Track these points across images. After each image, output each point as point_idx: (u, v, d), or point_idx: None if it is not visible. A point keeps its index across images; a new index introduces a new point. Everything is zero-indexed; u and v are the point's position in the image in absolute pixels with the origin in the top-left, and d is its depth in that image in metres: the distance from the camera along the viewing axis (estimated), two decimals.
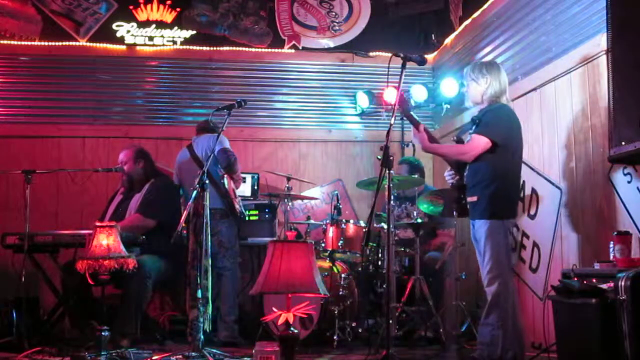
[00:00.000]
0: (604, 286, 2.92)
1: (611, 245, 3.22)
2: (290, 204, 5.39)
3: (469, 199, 3.94)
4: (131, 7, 6.32)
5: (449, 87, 5.89)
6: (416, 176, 5.40)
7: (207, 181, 4.05)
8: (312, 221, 5.46)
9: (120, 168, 5.14)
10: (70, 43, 6.22)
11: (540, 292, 4.45)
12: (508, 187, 3.87)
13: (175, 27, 6.36)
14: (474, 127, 3.94)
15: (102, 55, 6.27)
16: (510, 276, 3.82)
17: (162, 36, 6.34)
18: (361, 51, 6.57)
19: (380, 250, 5.09)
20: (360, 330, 4.92)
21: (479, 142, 3.83)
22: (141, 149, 5.21)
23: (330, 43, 6.61)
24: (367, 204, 6.28)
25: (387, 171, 3.51)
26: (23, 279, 4.58)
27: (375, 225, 5.09)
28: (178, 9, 6.38)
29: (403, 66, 3.72)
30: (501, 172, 3.83)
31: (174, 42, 6.35)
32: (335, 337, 4.66)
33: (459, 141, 4.19)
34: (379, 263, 5.08)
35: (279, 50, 6.52)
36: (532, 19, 4.73)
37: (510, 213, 3.88)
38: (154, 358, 3.95)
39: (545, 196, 4.50)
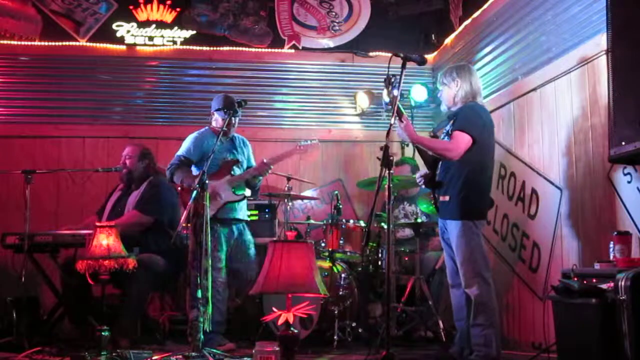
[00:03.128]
0: (604, 286, 2.91)
1: (611, 245, 3.22)
2: (290, 204, 5.39)
3: (441, 198, 3.95)
4: (131, 7, 6.32)
5: None
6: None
7: (207, 181, 4.05)
8: (312, 221, 5.45)
9: (120, 168, 5.14)
10: (70, 43, 6.21)
11: (540, 292, 4.45)
12: (480, 188, 3.87)
13: (175, 27, 6.36)
14: (450, 124, 3.97)
15: (102, 55, 6.26)
16: (488, 274, 3.82)
17: (162, 36, 6.34)
18: (361, 51, 6.57)
19: (380, 250, 5.09)
20: (360, 330, 4.92)
21: (463, 140, 3.84)
22: (147, 149, 5.22)
23: (330, 43, 6.61)
24: (367, 204, 6.28)
25: (387, 171, 3.52)
26: (23, 279, 4.59)
27: (375, 225, 5.09)
28: (178, 9, 6.38)
29: (403, 66, 3.72)
30: (474, 171, 3.84)
31: (174, 42, 6.35)
32: (335, 337, 4.66)
33: (434, 137, 4.21)
34: (379, 263, 5.08)
35: (279, 50, 6.51)
36: (532, 19, 4.73)
37: (481, 214, 3.90)
38: (154, 358, 3.95)
39: (545, 196, 4.49)
